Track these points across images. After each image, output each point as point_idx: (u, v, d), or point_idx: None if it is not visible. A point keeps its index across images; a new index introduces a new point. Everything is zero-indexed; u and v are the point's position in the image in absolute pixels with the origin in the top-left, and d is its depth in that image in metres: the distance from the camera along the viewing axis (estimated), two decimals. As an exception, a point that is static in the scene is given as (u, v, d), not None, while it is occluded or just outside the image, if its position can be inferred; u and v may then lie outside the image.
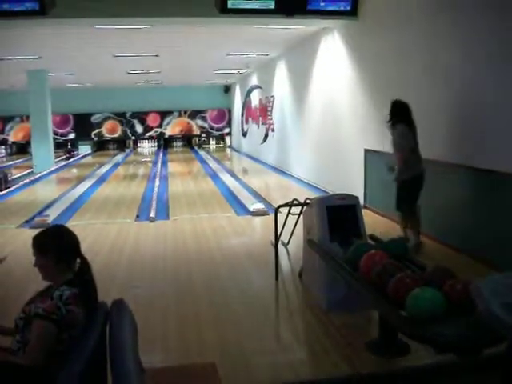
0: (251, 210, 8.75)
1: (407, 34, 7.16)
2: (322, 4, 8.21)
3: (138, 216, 8.85)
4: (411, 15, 7.07)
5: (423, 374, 3.26)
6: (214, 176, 14.60)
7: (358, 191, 7.86)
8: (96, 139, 25.85)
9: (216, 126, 26.74)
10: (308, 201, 5.13)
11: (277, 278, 5.24)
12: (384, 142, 7.95)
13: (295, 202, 5.48)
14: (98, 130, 25.68)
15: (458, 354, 2.61)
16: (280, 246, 5.72)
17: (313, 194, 7.20)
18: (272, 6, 8.02)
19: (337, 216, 4.53)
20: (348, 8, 8.48)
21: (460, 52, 5.95)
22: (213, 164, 18.28)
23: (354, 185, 8.80)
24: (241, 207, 9.43)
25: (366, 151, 8.71)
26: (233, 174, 15.00)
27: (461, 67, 5.93)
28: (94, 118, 25.53)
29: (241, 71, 19.09)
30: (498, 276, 1.99)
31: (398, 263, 3.33)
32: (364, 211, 5.39)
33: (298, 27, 10.05)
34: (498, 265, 4.98)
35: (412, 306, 2.71)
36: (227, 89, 25.86)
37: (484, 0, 5.58)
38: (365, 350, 3.64)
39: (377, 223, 7.28)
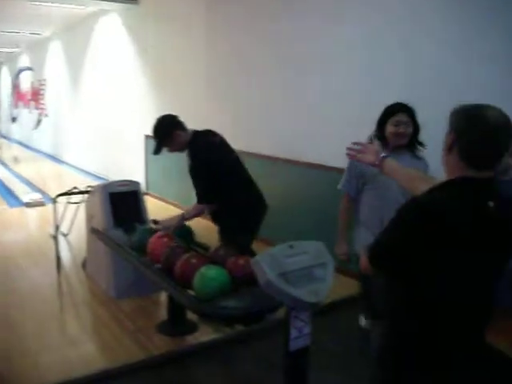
0: (25, 201, 8.26)
1: (189, 22, 7.31)
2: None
3: None
4: (191, 4, 7.23)
5: (211, 347, 3.46)
6: (-20, 166, 13.29)
7: (140, 177, 7.86)
8: None
9: (-21, 110, 24.23)
10: (89, 188, 5.00)
11: (58, 271, 5.04)
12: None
13: (75, 190, 5.30)
14: None
15: (243, 324, 2.81)
16: (60, 238, 5.49)
17: (93, 182, 7.01)
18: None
19: (120, 202, 4.51)
20: (127, -8, 8.40)
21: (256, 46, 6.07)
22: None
23: (135, 171, 8.77)
24: (13, 198, 8.89)
25: (147, 137, 8.72)
26: (2, 163, 13.83)
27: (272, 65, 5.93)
28: None
29: (9, 50, 17.51)
30: (274, 249, 2.20)
31: (185, 245, 3.44)
32: (146, 197, 5.41)
33: (75, 7, 9.58)
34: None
35: (198, 284, 2.81)
36: (-8, 69, 23.57)
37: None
38: (156, 333, 3.70)
39: (158, 208, 7.42)
